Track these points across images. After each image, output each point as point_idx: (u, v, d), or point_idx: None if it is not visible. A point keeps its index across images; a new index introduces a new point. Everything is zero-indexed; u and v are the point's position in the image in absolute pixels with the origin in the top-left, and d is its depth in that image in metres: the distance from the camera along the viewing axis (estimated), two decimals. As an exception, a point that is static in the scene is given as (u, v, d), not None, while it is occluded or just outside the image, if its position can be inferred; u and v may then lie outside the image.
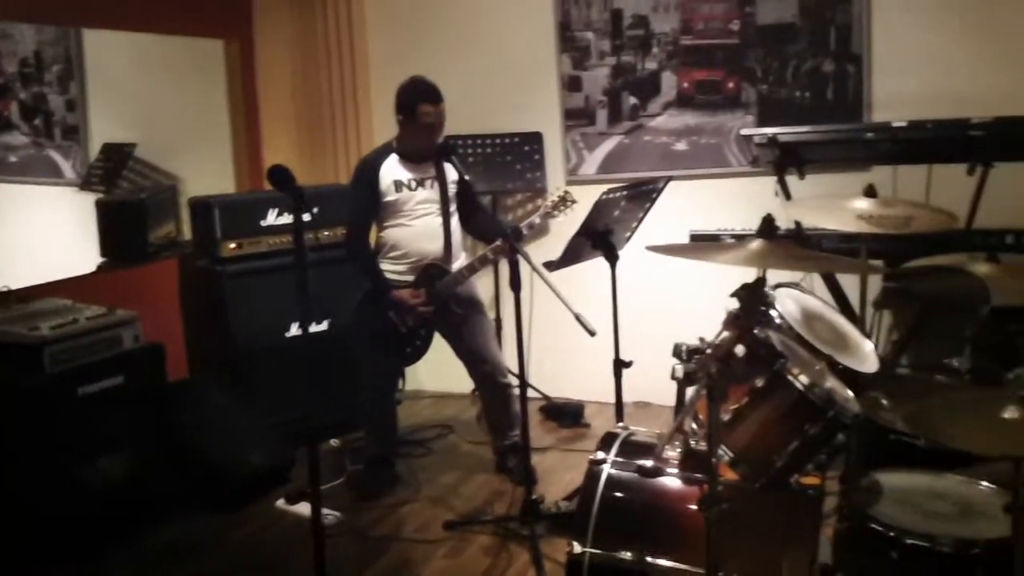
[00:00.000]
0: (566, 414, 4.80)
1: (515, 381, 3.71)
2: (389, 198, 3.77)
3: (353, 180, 3.89)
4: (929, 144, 3.57)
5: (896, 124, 3.61)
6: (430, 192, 3.81)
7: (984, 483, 2.25)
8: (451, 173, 3.81)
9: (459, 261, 3.87)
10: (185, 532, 3.65)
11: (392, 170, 3.77)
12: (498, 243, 3.58)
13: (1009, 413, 1.78)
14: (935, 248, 3.57)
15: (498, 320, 4.91)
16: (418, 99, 3.66)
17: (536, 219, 3.65)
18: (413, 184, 3.79)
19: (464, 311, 3.87)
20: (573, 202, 3.64)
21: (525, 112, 4.94)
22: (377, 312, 3.78)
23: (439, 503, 3.85)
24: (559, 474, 4.06)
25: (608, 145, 4.85)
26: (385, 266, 3.83)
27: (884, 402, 2.44)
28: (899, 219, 2.83)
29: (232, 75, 5.08)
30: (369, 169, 3.79)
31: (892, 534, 2.06)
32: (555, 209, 3.64)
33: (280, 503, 3.84)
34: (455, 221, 3.89)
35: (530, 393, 4.81)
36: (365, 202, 3.79)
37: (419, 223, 3.80)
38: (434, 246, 3.81)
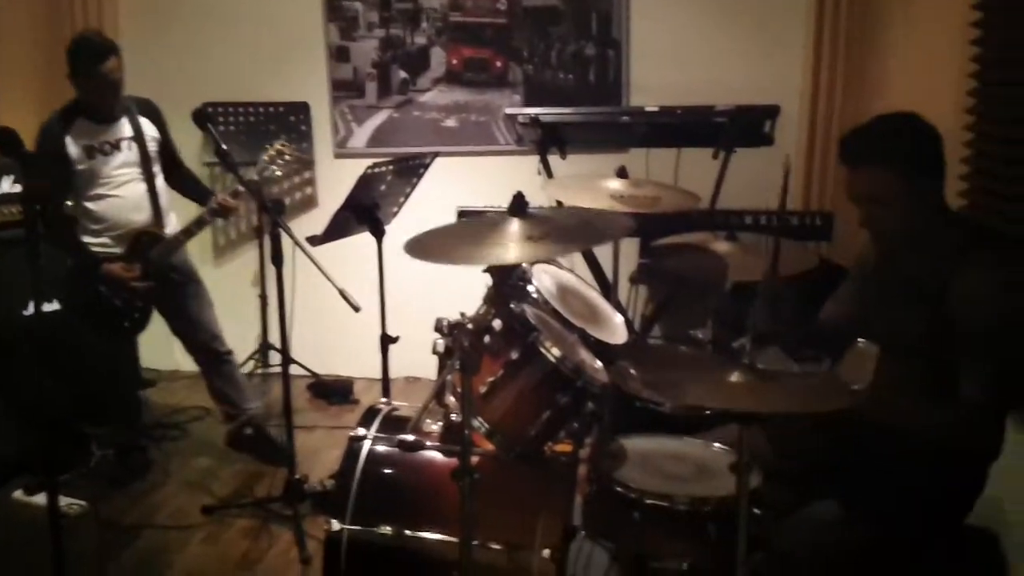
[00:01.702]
0: (334, 391, 4.74)
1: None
2: (82, 166, 3.46)
3: (37, 150, 3.41)
4: (678, 129, 3.78)
5: (649, 109, 3.81)
6: (128, 154, 3.54)
7: (717, 444, 2.43)
8: (150, 130, 3.57)
9: (171, 225, 3.67)
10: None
11: (81, 135, 3.46)
12: (213, 203, 3.43)
13: (735, 377, 1.94)
14: (683, 227, 3.80)
15: (263, 296, 4.76)
16: (85, 59, 3.34)
17: (255, 175, 3.45)
18: (107, 148, 3.50)
19: (181, 278, 3.69)
20: (291, 156, 3.52)
21: (291, 81, 4.78)
22: (86, 287, 3.51)
23: (196, 488, 3.69)
24: (326, 452, 4.00)
25: (378, 119, 4.80)
26: (88, 239, 3.53)
27: (632, 371, 2.56)
28: (647, 199, 2.99)
29: (-42, 21, 4.57)
30: (53, 137, 3.42)
31: (634, 495, 2.18)
32: (271, 165, 3.49)
33: (18, 494, 3.55)
34: (160, 183, 3.64)
35: (297, 371, 4.71)
36: (55, 173, 3.42)
37: (122, 191, 3.54)
38: (142, 216, 3.58)
